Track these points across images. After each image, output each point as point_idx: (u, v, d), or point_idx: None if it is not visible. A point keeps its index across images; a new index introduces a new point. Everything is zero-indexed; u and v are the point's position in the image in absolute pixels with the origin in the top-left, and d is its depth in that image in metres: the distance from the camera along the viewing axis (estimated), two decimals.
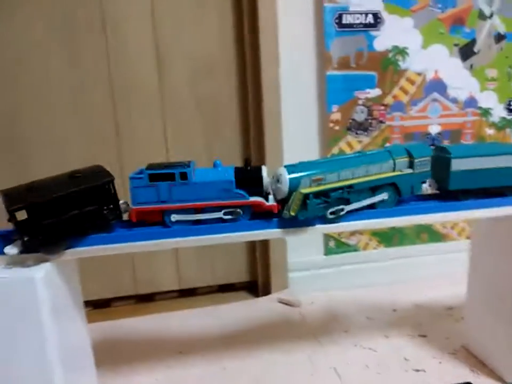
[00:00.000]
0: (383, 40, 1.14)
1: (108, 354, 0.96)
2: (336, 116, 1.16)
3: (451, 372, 0.86)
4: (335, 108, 1.15)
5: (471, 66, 1.20)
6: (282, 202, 0.69)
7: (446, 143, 1.22)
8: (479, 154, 0.76)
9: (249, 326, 1.08)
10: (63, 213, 0.63)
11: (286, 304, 1.18)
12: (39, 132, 1.10)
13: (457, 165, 0.75)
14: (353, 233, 1.24)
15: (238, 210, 0.69)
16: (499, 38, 1.21)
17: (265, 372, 0.89)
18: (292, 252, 1.22)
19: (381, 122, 1.18)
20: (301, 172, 0.69)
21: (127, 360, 0.95)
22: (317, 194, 0.68)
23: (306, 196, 0.67)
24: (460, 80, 1.20)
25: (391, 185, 0.73)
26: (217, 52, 1.14)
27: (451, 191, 0.76)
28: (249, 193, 0.69)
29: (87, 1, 1.06)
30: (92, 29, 1.07)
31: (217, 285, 1.30)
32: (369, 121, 1.18)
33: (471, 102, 1.22)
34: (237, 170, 0.70)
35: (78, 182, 0.66)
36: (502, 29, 1.21)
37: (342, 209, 0.70)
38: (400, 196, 0.74)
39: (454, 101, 1.21)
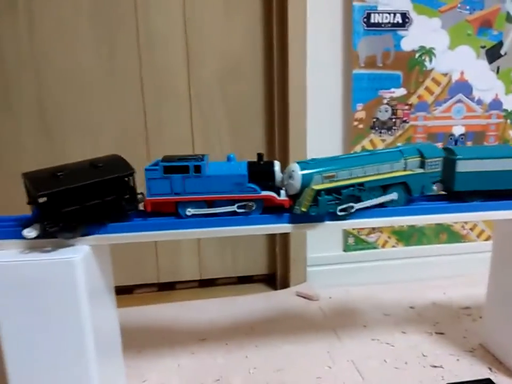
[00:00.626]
0: (410, 40, 1.15)
1: (132, 339, 0.99)
2: (361, 114, 1.17)
3: (468, 369, 0.88)
4: (359, 106, 1.17)
5: (498, 68, 1.21)
6: (294, 197, 0.71)
7: (469, 144, 1.23)
8: (485, 156, 0.76)
9: (269, 317, 1.11)
10: (84, 201, 0.65)
11: (304, 297, 1.20)
12: (74, 119, 1.13)
13: (462, 166, 0.76)
14: (372, 230, 1.25)
15: (251, 204, 0.70)
16: None
17: (285, 362, 0.92)
18: (311, 247, 1.24)
19: (405, 121, 1.19)
20: (313, 168, 0.70)
21: (150, 345, 0.98)
22: (329, 191, 0.69)
23: (318, 192, 0.68)
24: (486, 82, 1.21)
25: (402, 184, 0.75)
26: (245, 50, 1.16)
27: (457, 192, 0.77)
28: (261, 188, 0.70)
29: None
30: (124, 21, 1.10)
31: (236, 276, 1.33)
32: (393, 120, 1.19)
33: (496, 104, 1.23)
34: (250, 164, 0.72)
35: (100, 172, 0.68)
36: None
37: (352, 207, 0.71)
38: (411, 195, 0.75)
39: (479, 102, 1.21)
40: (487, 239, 1.30)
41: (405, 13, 1.13)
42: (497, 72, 1.21)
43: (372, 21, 1.12)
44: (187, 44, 1.13)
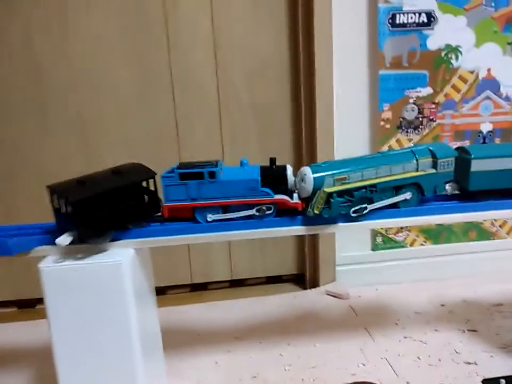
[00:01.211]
0: (436, 39, 1.15)
1: (168, 338, 1.01)
2: (387, 114, 1.18)
3: (503, 364, 0.88)
4: (386, 106, 1.18)
5: None
6: (307, 200, 0.72)
7: (497, 141, 1.22)
8: (499, 155, 0.76)
9: (300, 316, 1.13)
10: (112, 206, 0.68)
11: (334, 296, 1.22)
12: (109, 128, 1.17)
13: (477, 165, 0.75)
14: (400, 229, 1.26)
15: (264, 207, 0.72)
16: None
17: (319, 360, 0.94)
18: (340, 247, 1.26)
19: (432, 120, 1.20)
20: (325, 171, 0.71)
21: (187, 344, 1.01)
22: (341, 193, 0.70)
23: (330, 195, 0.69)
24: None
25: (414, 184, 0.75)
26: (272, 53, 1.19)
27: (472, 192, 0.76)
28: (274, 191, 0.72)
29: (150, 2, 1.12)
30: (154, 30, 1.14)
31: (265, 276, 1.35)
32: (420, 119, 1.19)
33: None
34: (263, 169, 0.74)
35: (124, 177, 0.70)
36: None
37: (365, 208, 0.72)
38: (423, 195, 0.76)
39: (507, 99, 1.21)
40: None
41: (430, 12, 1.14)
42: None
43: (397, 21, 1.13)
44: (215, 49, 1.16)
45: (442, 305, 1.13)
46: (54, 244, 0.69)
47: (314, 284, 1.29)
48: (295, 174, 0.74)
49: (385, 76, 1.16)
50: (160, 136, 1.19)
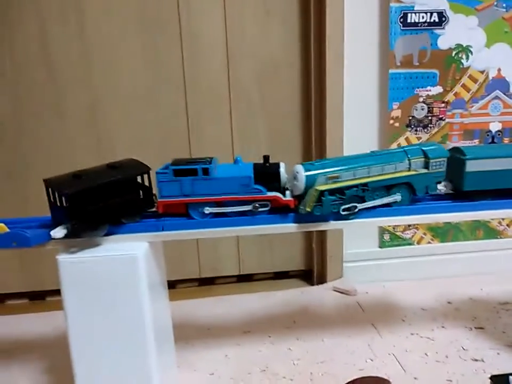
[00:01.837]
0: (447, 39, 1.16)
1: (179, 331, 1.03)
2: (396, 112, 1.19)
3: (510, 362, 0.90)
4: (395, 105, 1.18)
5: None
6: (299, 197, 0.73)
7: (506, 141, 1.23)
8: (494, 155, 0.76)
9: (308, 311, 1.14)
10: (106, 200, 0.68)
11: (342, 292, 1.23)
12: (122, 124, 1.18)
13: (472, 166, 0.76)
14: (407, 227, 1.27)
15: (258, 204, 0.73)
16: None
17: (327, 355, 0.95)
18: (347, 243, 1.27)
19: (441, 119, 1.21)
20: (317, 169, 0.72)
21: (197, 337, 1.03)
22: (332, 192, 0.71)
23: (321, 193, 0.70)
24: None
25: (406, 184, 0.76)
26: (283, 52, 1.19)
27: (466, 192, 0.77)
28: (267, 189, 0.73)
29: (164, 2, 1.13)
30: (168, 28, 1.14)
31: (273, 272, 1.36)
32: (429, 118, 1.20)
33: None
34: (256, 166, 0.74)
35: (119, 172, 0.71)
36: None
37: (355, 207, 0.73)
38: (415, 195, 0.76)
39: None
40: None
41: (441, 12, 1.14)
42: None
43: (409, 20, 1.13)
44: (227, 47, 1.17)
45: (449, 302, 1.14)
46: (71, 235, 0.71)
47: (322, 280, 1.30)
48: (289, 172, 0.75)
49: (396, 75, 1.16)
50: (171, 133, 1.20)
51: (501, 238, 1.30)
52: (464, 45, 1.17)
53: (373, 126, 1.20)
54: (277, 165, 0.75)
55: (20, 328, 1.11)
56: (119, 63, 1.15)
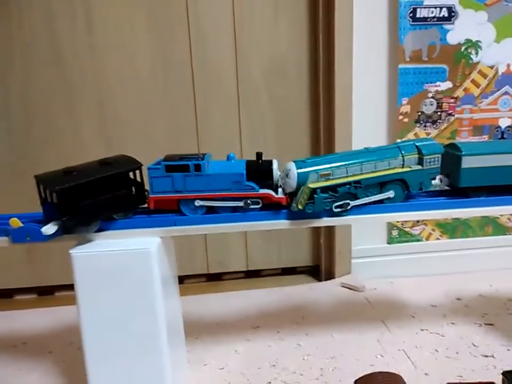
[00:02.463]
0: (456, 34, 1.15)
1: (188, 326, 1.03)
2: (406, 108, 1.19)
3: None
4: (404, 100, 1.18)
5: None
6: (291, 195, 0.73)
7: None
8: (490, 152, 0.76)
9: (316, 307, 1.14)
10: (97, 196, 0.68)
11: (350, 288, 1.23)
12: (130, 120, 1.19)
13: (468, 162, 0.75)
14: (416, 223, 1.27)
15: (249, 201, 0.72)
16: None
17: (337, 350, 0.95)
18: (355, 239, 1.27)
19: (450, 115, 1.20)
20: (309, 166, 0.72)
21: (206, 332, 1.03)
22: (325, 189, 0.71)
23: (313, 191, 0.70)
24: None
25: (400, 181, 0.75)
26: (291, 49, 1.19)
27: (462, 188, 0.77)
28: (260, 186, 0.73)
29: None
30: (176, 26, 1.14)
31: (280, 268, 1.36)
32: (438, 113, 1.20)
33: None
34: (249, 163, 0.74)
35: (111, 168, 0.71)
36: None
37: (348, 204, 0.72)
38: (409, 191, 0.76)
39: None
40: None
41: (451, 7, 1.14)
42: None
43: (418, 15, 1.13)
44: (236, 44, 1.17)
45: (458, 299, 1.14)
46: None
47: (330, 276, 1.30)
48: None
49: (405, 70, 1.16)
50: (180, 129, 1.20)
51: (510, 234, 1.30)
52: (474, 40, 1.17)
53: (381, 122, 1.20)
54: (269, 162, 0.75)
55: (28, 323, 1.12)
56: (128, 59, 1.15)
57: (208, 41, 1.16)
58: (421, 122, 1.20)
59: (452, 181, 0.78)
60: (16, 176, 1.18)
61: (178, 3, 1.13)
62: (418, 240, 1.28)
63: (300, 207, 0.70)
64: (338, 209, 0.72)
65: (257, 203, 0.73)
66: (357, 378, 0.72)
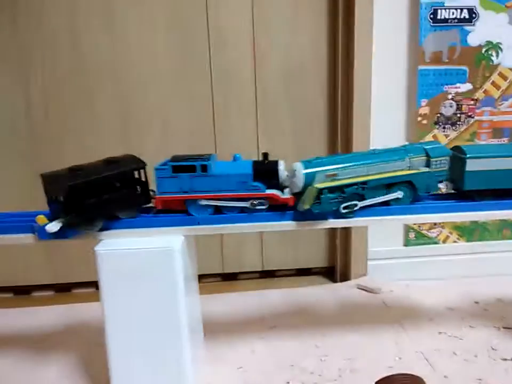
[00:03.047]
0: (477, 35, 1.15)
1: (205, 325, 1.04)
2: (425, 110, 1.18)
3: None
4: (423, 102, 1.17)
5: None
6: (298, 195, 0.73)
7: None
8: (495, 155, 0.75)
9: (333, 308, 1.14)
10: (102, 194, 0.69)
11: (366, 290, 1.22)
12: (149, 118, 1.20)
13: (472, 165, 0.75)
14: (433, 225, 1.26)
15: (256, 202, 0.73)
16: None
17: (354, 352, 0.94)
18: (371, 241, 1.26)
19: (470, 117, 1.19)
20: (315, 167, 0.72)
21: (223, 331, 1.03)
22: (332, 190, 0.71)
23: (320, 191, 0.70)
24: None
25: (407, 183, 0.75)
26: (310, 48, 1.19)
27: (467, 191, 0.76)
28: (266, 186, 0.73)
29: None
30: (196, 25, 1.15)
31: (295, 268, 1.36)
32: (458, 115, 1.19)
33: None
34: (255, 163, 0.74)
35: (116, 167, 0.72)
36: None
37: (355, 205, 0.72)
38: (416, 194, 0.76)
39: None
40: None
41: (471, 8, 1.13)
42: None
43: (439, 17, 1.12)
44: (254, 45, 1.17)
45: (476, 302, 1.13)
46: (107, 228, 0.72)
47: (345, 277, 1.30)
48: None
49: (425, 71, 1.15)
50: (197, 129, 1.21)
51: None
52: (494, 42, 1.16)
53: (400, 124, 1.20)
54: (276, 163, 0.75)
55: (47, 319, 1.13)
56: (147, 58, 1.16)
57: (227, 41, 1.17)
58: (440, 124, 1.19)
59: (456, 184, 0.78)
60: (38, 172, 1.19)
61: (198, 3, 1.14)
62: (435, 243, 1.27)
63: (306, 207, 0.70)
64: (346, 210, 0.72)
65: (263, 204, 0.73)
66: (377, 379, 0.72)
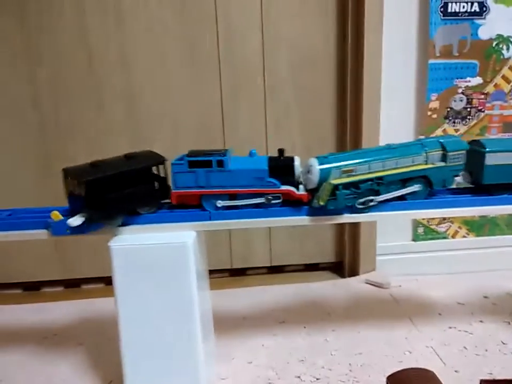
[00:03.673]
0: (487, 29, 1.14)
1: (215, 320, 1.04)
2: (435, 104, 1.17)
3: None
4: (433, 96, 1.17)
5: None
6: (313, 191, 0.73)
7: None
8: None
9: (342, 303, 1.14)
10: (123, 189, 0.69)
11: (374, 285, 1.22)
12: (158, 113, 1.19)
13: (491, 159, 0.75)
14: (442, 220, 1.26)
15: (270, 197, 0.73)
16: None
17: (364, 347, 0.95)
18: (380, 236, 1.26)
19: (480, 111, 1.19)
20: (331, 163, 0.71)
21: (232, 326, 1.03)
22: (347, 185, 0.71)
23: (335, 187, 0.70)
24: None
25: (423, 177, 0.74)
26: (318, 41, 1.18)
27: (485, 185, 0.76)
28: (281, 182, 0.73)
29: None
30: (205, 16, 1.14)
31: (303, 264, 1.36)
32: (468, 109, 1.18)
33: None
34: (271, 159, 0.74)
35: (136, 162, 0.72)
36: None
37: (372, 200, 0.72)
38: (432, 188, 0.75)
39: None
40: None
41: (482, 2, 1.12)
42: None
43: (449, 10, 1.12)
44: (263, 36, 1.16)
45: (486, 297, 1.13)
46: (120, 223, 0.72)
47: (353, 272, 1.29)
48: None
49: (435, 65, 1.14)
50: (206, 122, 1.21)
51: None
52: (505, 36, 1.15)
53: (410, 118, 1.19)
54: (291, 159, 0.75)
55: (57, 315, 1.13)
56: (156, 53, 1.15)
57: (236, 33, 1.16)
58: (450, 118, 1.18)
59: (475, 178, 0.78)
60: (48, 169, 1.19)
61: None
62: (444, 238, 1.27)
63: (322, 203, 0.70)
64: (361, 206, 0.72)
65: (279, 199, 0.73)
66: (389, 374, 0.72)
